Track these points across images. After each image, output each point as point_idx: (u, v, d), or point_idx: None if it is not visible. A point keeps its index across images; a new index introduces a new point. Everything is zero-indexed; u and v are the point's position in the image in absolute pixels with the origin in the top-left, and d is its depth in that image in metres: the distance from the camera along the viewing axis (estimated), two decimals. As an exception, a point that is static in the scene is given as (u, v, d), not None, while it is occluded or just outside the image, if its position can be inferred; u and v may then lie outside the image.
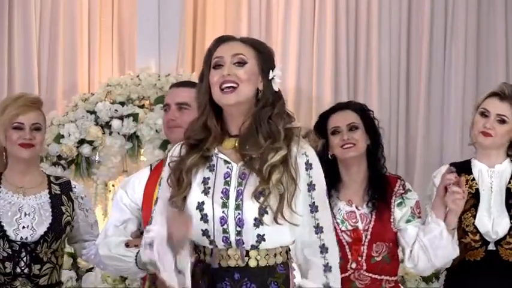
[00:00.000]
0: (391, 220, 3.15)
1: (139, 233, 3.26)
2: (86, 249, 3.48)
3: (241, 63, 2.43)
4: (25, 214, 3.29)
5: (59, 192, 3.39)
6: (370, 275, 3.12)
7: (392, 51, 5.54)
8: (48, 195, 3.36)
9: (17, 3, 5.38)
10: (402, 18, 5.55)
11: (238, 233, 2.39)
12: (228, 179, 2.42)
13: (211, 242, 2.41)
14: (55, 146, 4.90)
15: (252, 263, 2.41)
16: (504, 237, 3.18)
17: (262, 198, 2.36)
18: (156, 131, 4.76)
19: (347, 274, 3.07)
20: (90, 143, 4.94)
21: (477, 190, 3.24)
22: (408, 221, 3.14)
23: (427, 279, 4.81)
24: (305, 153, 2.44)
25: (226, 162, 2.43)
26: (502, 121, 3.25)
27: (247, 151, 2.39)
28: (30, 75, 5.38)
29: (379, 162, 3.24)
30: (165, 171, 2.52)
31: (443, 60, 5.53)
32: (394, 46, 5.54)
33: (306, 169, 2.43)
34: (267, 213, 2.37)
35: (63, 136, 4.94)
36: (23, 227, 3.27)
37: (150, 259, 2.38)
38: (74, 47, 5.49)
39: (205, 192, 2.42)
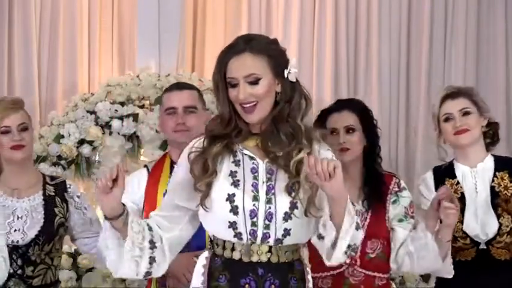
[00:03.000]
0: (386, 218, 3.16)
1: None
2: (86, 245, 3.48)
3: (255, 82, 2.44)
4: (18, 217, 3.29)
5: (53, 193, 3.38)
6: (364, 271, 3.13)
7: (392, 51, 5.55)
8: (42, 197, 3.35)
9: (17, 3, 5.37)
10: (402, 18, 5.55)
11: (266, 227, 2.44)
12: (256, 174, 2.46)
13: (237, 235, 2.44)
14: (55, 146, 4.90)
15: (274, 259, 2.45)
16: (494, 237, 3.18)
17: (293, 193, 2.41)
18: (156, 131, 4.75)
19: (341, 270, 3.09)
20: (90, 143, 4.94)
21: (462, 194, 3.24)
22: (400, 221, 3.15)
23: (426, 279, 4.81)
24: (329, 149, 2.53)
25: (251, 158, 2.47)
26: (467, 113, 3.27)
27: (271, 149, 2.45)
28: (30, 75, 5.38)
29: (376, 161, 3.25)
30: (180, 166, 2.56)
31: (443, 60, 5.54)
32: (394, 46, 5.54)
33: None
34: (297, 208, 2.43)
35: (63, 136, 4.94)
36: (15, 230, 3.26)
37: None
38: (74, 47, 5.49)
39: (235, 184, 2.45)
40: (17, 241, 3.26)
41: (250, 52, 2.44)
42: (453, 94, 3.31)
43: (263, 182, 2.45)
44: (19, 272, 3.25)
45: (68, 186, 3.45)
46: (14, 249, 3.24)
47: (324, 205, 2.44)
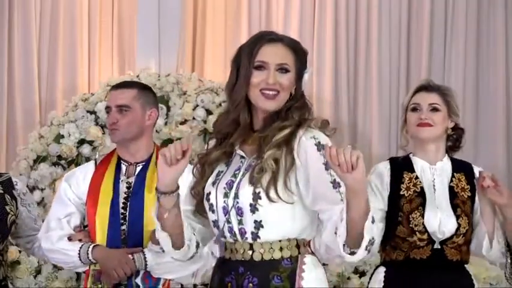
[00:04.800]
0: None
1: (82, 228, 3.27)
2: (29, 243, 3.45)
3: (285, 71, 2.44)
4: None
5: (2, 191, 3.32)
6: None
7: (392, 51, 5.55)
8: None
9: (17, 3, 5.38)
10: (402, 18, 5.55)
11: (240, 222, 2.41)
12: (238, 172, 2.45)
13: (221, 234, 2.45)
14: (55, 146, 4.90)
15: (257, 257, 2.42)
16: (450, 237, 3.18)
17: (256, 182, 2.36)
18: (156, 131, 4.75)
19: None
20: (90, 143, 4.94)
21: (422, 188, 3.23)
22: None
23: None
24: (313, 137, 2.42)
25: (241, 157, 2.46)
26: (435, 109, 3.26)
27: (260, 134, 2.42)
28: (30, 75, 5.39)
29: None
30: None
31: (443, 60, 5.54)
32: (394, 46, 5.55)
33: (318, 149, 2.40)
34: (260, 198, 2.38)
35: (63, 136, 4.94)
36: None
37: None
38: (74, 47, 5.49)
39: (214, 183, 2.46)
40: None
41: (283, 44, 2.47)
42: (429, 87, 3.30)
43: (240, 179, 2.43)
44: None
45: (15, 183, 3.39)
46: None
47: (330, 202, 2.37)
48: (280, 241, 2.43)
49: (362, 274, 4.74)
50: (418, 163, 3.27)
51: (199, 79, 5.23)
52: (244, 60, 2.46)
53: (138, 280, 3.17)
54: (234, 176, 2.44)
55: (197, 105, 5.01)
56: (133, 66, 5.42)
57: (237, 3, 5.62)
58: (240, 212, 2.41)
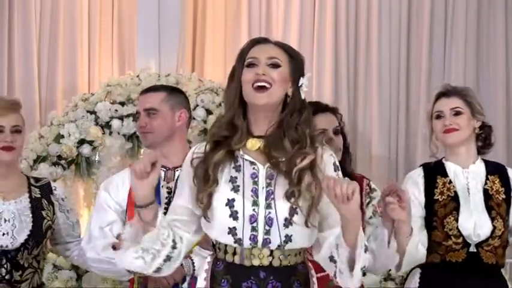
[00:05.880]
0: (365, 219, 3.18)
1: None
2: (69, 250, 3.45)
3: (276, 66, 2.46)
4: (5, 220, 3.25)
5: (39, 195, 3.34)
6: None
7: (392, 51, 5.54)
8: (29, 199, 3.31)
9: (17, 3, 5.38)
10: (402, 18, 5.55)
11: (267, 232, 2.43)
12: (256, 179, 2.45)
13: (237, 241, 2.44)
14: (55, 146, 4.90)
15: (276, 263, 2.45)
16: (486, 240, 3.18)
17: (293, 199, 2.40)
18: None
19: (325, 273, 3.08)
20: (90, 143, 4.94)
21: (456, 193, 3.23)
22: (370, 218, 3.17)
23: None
24: (332, 155, 2.52)
25: (252, 163, 2.47)
26: (458, 113, 3.28)
27: (274, 154, 2.44)
28: (30, 75, 5.38)
29: (350, 162, 3.30)
30: (185, 171, 2.56)
31: (443, 60, 5.53)
32: (394, 46, 5.54)
33: (335, 170, 2.50)
34: (297, 213, 2.42)
35: (63, 136, 4.93)
36: (3, 234, 3.22)
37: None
38: (74, 47, 5.49)
39: (235, 190, 2.45)
40: (6, 246, 3.22)
41: (274, 44, 2.52)
42: (448, 92, 3.32)
43: (263, 188, 2.44)
44: (7, 277, 3.21)
45: (53, 188, 3.42)
46: (2, 254, 3.20)
47: (332, 223, 2.44)
48: (296, 249, 2.48)
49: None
50: (451, 167, 3.29)
51: (199, 79, 5.23)
52: (237, 63, 2.49)
53: (185, 286, 3.16)
54: (255, 183, 2.45)
55: (197, 105, 5.01)
56: (133, 66, 5.42)
57: (237, 3, 5.62)
58: (270, 223, 2.42)
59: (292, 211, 2.41)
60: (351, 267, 2.39)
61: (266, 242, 2.43)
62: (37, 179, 3.46)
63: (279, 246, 2.43)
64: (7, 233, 3.23)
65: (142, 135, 3.32)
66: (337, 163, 2.51)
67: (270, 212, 2.42)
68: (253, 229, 2.43)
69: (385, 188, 2.92)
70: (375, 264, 3.00)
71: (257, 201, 2.43)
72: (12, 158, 3.30)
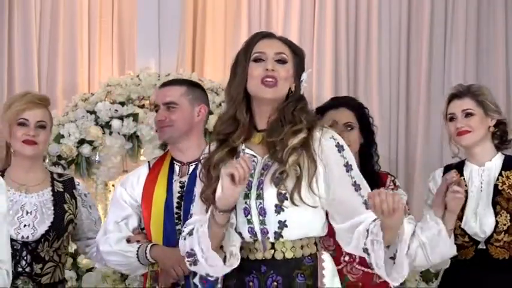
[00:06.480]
0: None
1: (140, 230, 3.27)
2: (89, 246, 3.48)
3: (283, 62, 2.48)
4: (27, 212, 3.29)
5: (62, 189, 3.39)
6: (362, 268, 3.15)
7: (392, 51, 5.54)
8: (51, 193, 3.36)
9: (17, 3, 5.38)
10: (402, 18, 5.55)
11: (262, 222, 2.43)
12: (253, 171, 2.45)
13: (239, 235, 2.45)
14: (55, 146, 4.90)
15: (278, 256, 2.44)
16: (492, 235, 3.19)
17: (279, 182, 2.39)
18: (156, 131, 4.75)
19: (340, 267, 3.10)
20: (90, 143, 4.94)
21: (466, 192, 3.25)
22: None
23: (427, 280, 4.81)
24: (332, 137, 2.49)
25: (252, 156, 2.48)
26: (469, 114, 3.29)
27: (270, 138, 2.44)
28: (30, 75, 5.38)
29: (372, 160, 3.28)
30: (198, 168, 2.58)
31: (443, 60, 5.53)
32: (394, 46, 5.54)
33: (339, 151, 2.47)
34: (286, 199, 2.41)
35: (63, 136, 4.94)
36: (24, 226, 3.26)
37: (191, 247, 2.41)
38: (74, 47, 5.49)
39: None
40: (27, 237, 3.25)
41: (279, 40, 2.54)
42: (460, 94, 3.33)
43: (257, 179, 2.45)
44: (27, 269, 3.24)
45: (76, 183, 3.46)
46: (23, 246, 3.23)
47: (350, 213, 2.42)
48: (301, 239, 2.46)
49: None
50: (468, 167, 3.31)
51: (199, 79, 5.22)
52: (241, 57, 2.49)
53: (196, 280, 3.16)
54: (251, 176, 2.44)
55: (197, 105, 5.00)
56: (133, 66, 5.42)
57: (237, 3, 5.62)
58: (263, 213, 2.43)
59: (281, 196, 2.40)
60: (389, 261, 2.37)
61: (264, 233, 2.43)
62: (60, 175, 3.51)
63: (276, 234, 2.42)
64: (28, 225, 3.27)
65: (160, 129, 3.31)
66: (342, 143, 2.47)
67: (261, 203, 2.43)
68: (249, 222, 2.44)
69: (448, 177, 2.97)
70: (428, 257, 3.03)
71: (249, 194, 2.44)
72: (34, 153, 3.34)
